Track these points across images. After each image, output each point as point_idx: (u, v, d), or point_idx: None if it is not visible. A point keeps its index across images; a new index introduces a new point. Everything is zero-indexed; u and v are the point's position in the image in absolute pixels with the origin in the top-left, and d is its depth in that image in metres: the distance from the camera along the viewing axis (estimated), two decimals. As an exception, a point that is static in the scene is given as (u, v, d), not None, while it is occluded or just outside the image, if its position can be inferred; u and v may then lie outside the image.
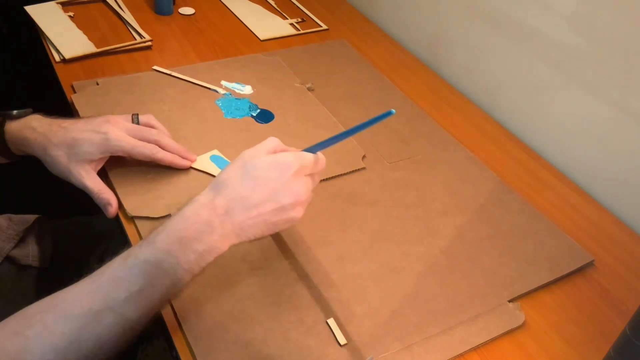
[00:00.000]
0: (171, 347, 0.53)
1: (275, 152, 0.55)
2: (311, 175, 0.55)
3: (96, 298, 0.44)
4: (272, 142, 0.55)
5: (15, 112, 0.66)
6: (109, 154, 0.64)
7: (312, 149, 0.57)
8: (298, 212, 0.54)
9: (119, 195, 0.65)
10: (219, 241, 0.50)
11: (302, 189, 0.53)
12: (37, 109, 0.68)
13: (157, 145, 0.66)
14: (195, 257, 0.48)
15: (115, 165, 0.68)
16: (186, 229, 0.49)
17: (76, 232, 0.81)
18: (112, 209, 0.63)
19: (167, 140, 0.67)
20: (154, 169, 0.68)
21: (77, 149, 0.62)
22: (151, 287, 0.46)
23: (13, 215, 0.70)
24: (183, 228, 0.49)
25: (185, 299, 0.55)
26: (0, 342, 0.40)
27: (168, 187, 0.67)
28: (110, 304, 0.44)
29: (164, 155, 0.66)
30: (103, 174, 0.69)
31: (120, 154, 0.64)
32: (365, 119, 0.53)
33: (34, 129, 0.64)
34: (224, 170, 0.53)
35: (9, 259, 0.68)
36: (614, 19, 0.70)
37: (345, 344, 0.54)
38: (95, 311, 0.44)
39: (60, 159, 0.63)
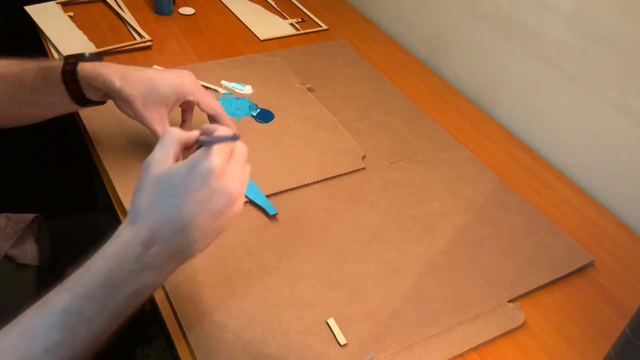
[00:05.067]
0: (171, 347, 0.53)
1: (182, 148, 0.47)
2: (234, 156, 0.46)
3: (12, 354, 0.40)
4: (172, 138, 0.46)
5: (87, 54, 0.63)
6: (182, 100, 0.65)
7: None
8: (238, 206, 0.46)
9: (119, 195, 0.65)
10: (155, 276, 0.44)
11: (232, 185, 0.45)
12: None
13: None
14: (127, 298, 0.43)
15: (116, 165, 0.68)
16: (111, 270, 0.42)
17: (75, 231, 0.81)
18: None
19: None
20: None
21: (154, 90, 0.61)
22: (72, 338, 0.41)
23: (11, 214, 0.70)
24: (107, 270, 0.42)
25: (185, 299, 0.55)
26: None
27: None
28: (28, 359, 0.40)
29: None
30: (103, 173, 0.69)
31: (191, 98, 0.65)
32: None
33: (109, 67, 0.62)
34: (137, 196, 0.44)
35: (7, 257, 0.68)
36: (614, 18, 0.70)
37: (345, 344, 0.54)
38: None
39: (135, 99, 0.60)
